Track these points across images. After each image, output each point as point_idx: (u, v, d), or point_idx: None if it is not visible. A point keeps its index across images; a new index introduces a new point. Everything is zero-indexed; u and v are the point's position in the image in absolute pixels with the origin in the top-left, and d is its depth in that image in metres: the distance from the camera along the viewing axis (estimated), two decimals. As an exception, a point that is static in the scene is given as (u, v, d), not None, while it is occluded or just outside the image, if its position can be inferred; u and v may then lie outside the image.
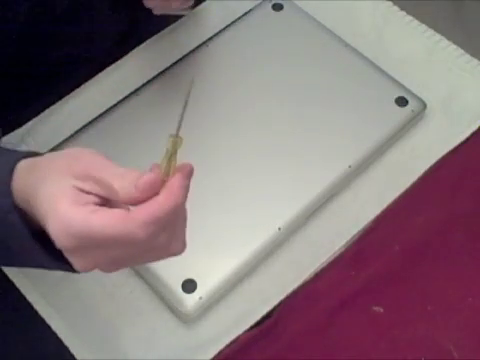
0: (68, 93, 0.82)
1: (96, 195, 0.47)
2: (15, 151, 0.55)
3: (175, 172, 0.48)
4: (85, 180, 0.47)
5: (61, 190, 0.46)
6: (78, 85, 0.82)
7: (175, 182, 0.47)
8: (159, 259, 0.50)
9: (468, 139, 0.78)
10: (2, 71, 0.72)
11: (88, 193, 0.47)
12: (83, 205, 0.46)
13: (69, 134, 0.77)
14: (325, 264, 0.71)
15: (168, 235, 0.48)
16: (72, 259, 0.47)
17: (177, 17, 0.86)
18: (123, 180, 0.47)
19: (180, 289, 0.67)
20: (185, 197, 0.48)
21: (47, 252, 0.49)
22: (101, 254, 0.47)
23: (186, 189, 0.47)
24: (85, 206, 0.46)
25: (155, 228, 0.46)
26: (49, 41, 0.75)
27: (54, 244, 0.46)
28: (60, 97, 0.82)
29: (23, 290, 0.70)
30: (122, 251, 0.47)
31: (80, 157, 0.49)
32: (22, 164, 0.50)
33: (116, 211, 0.46)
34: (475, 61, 0.84)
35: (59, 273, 0.70)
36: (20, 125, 0.79)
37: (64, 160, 0.49)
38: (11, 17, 0.70)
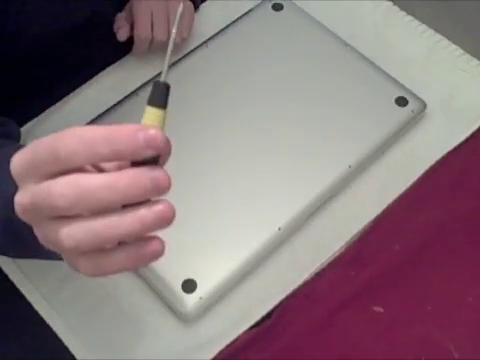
0: (68, 93, 0.82)
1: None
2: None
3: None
4: None
5: None
6: (78, 85, 0.82)
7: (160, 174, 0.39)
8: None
9: (468, 139, 0.78)
10: (4, 69, 0.72)
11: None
12: None
13: (69, 134, 0.77)
14: (325, 264, 0.71)
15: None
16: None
17: None
18: None
19: (180, 289, 0.67)
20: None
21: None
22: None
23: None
24: None
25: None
26: (50, 42, 0.75)
27: None
28: (60, 97, 0.82)
29: (23, 290, 0.70)
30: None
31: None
32: None
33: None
34: (475, 61, 0.84)
35: (60, 273, 0.70)
36: (20, 125, 0.79)
37: None
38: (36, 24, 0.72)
